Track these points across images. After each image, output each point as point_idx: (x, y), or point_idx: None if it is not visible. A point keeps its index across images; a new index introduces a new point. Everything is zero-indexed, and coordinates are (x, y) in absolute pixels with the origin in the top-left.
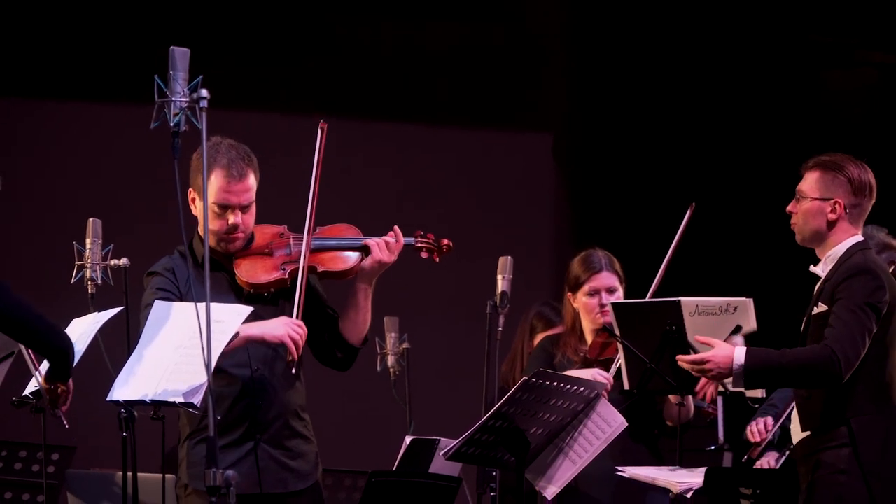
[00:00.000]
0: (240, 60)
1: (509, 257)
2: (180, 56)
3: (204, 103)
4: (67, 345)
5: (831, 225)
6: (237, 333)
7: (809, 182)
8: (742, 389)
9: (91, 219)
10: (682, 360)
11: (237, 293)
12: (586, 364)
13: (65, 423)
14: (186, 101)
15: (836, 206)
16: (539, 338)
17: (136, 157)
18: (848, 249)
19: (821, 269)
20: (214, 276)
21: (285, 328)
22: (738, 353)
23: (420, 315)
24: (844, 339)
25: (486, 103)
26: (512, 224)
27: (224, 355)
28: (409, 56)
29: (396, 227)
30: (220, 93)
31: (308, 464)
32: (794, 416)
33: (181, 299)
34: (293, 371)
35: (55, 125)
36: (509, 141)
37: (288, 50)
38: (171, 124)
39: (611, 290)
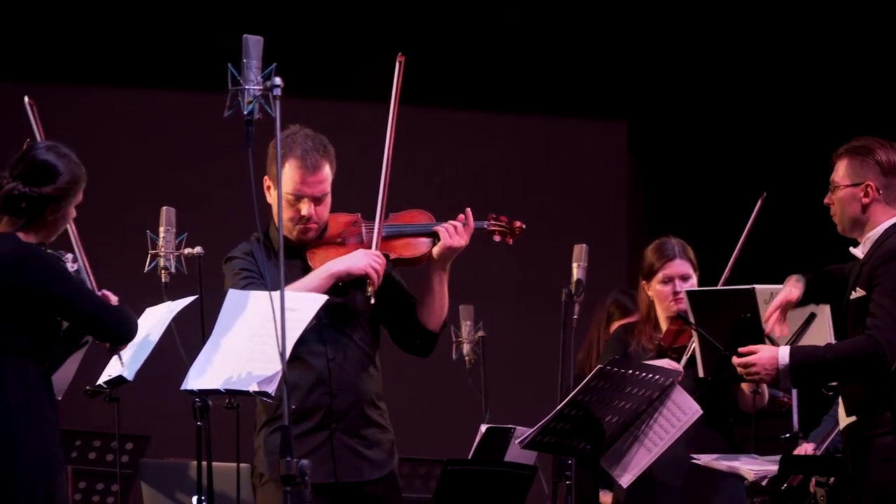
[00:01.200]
0: (313, 48)
1: (584, 245)
2: (254, 44)
3: (277, 91)
4: (132, 329)
5: (866, 208)
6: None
7: (840, 170)
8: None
9: (164, 207)
10: (734, 362)
11: None
12: (660, 352)
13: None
14: (260, 89)
15: (868, 188)
16: (615, 326)
17: (209, 146)
18: (885, 231)
19: (860, 252)
20: (289, 264)
21: (366, 258)
22: (783, 353)
23: (495, 304)
24: (887, 327)
25: (560, 92)
26: (587, 212)
27: (297, 344)
28: (485, 45)
29: (467, 209)
30: (294, 80)
31: (384, 452)
32: (840, 400)
33: (263, 279)
34: (372, 302)
35: (128, 113)
36: (584, 129)
37: (359, 38)
38: (245, 112)
39: (684, 278)
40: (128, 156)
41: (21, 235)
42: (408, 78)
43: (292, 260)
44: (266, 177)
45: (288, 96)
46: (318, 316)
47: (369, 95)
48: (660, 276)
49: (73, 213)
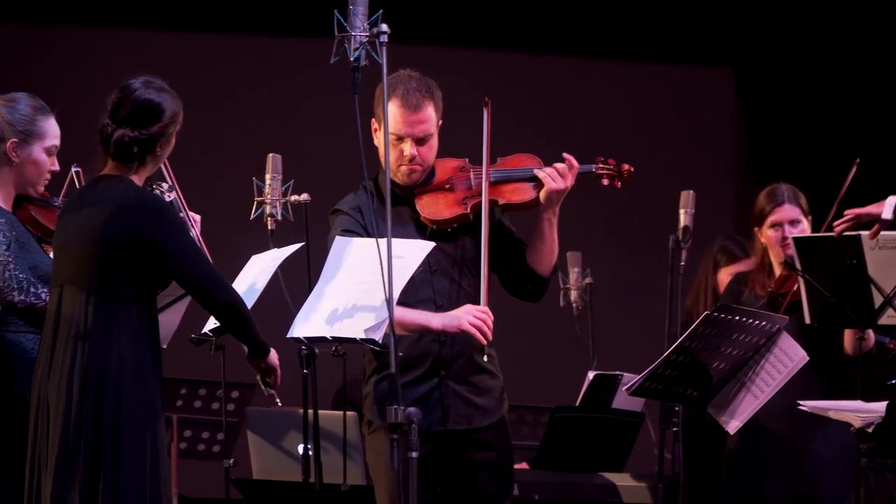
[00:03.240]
0: None
1: (691, 192)
2: None
3: (384, 38)
4: (235, 301)
5: None
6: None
7: None
8: None
9: (271, 154)
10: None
11: (421, 228)
12: (771, 299)
13: (277, 400)
14: (366, 36)
15: None
16: (722, 272)
17: (316, 92)
18: None
19: None
20: (398, 210)
21: (465, 316)
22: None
23: (603, 250)
24: None
25: (667, 38)
26: (693, 159)
27: (405, 292)
28: None
29: (566, 155)
30: (400, 27)
31: (493, 400)
32: None
33: (367, 236)
34: (485, 358)
35: (235, 59)
36: (691, 76)
37: None
38: (351, 59)
39: (794, 223)
40: (235, 103)
41: (135, 178)
42: (517, 24)
43: (401, 206)
44: (373, 119)
45: (394, 42)
46: (426, 263)
47: (480, 41)
48: (769, 220)
49: (174, 141)
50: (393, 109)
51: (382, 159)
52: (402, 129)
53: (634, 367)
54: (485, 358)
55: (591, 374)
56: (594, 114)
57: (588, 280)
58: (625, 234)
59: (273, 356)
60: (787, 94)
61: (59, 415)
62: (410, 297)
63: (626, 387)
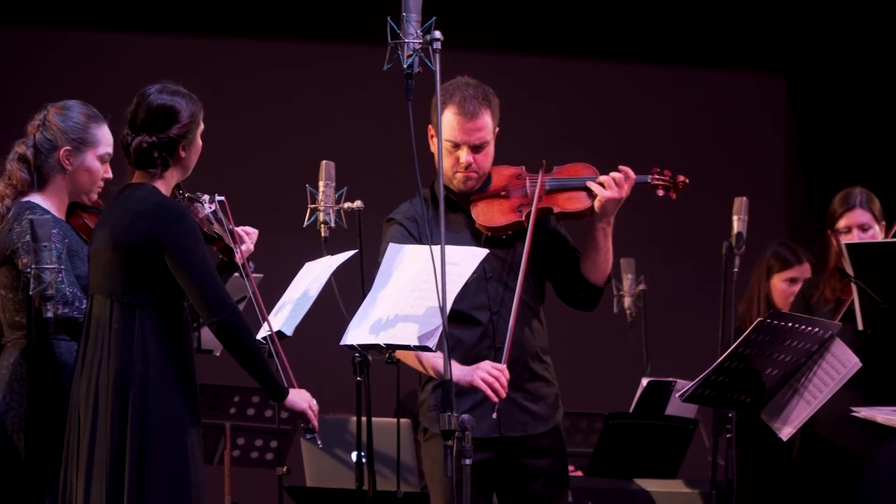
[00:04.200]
0: (471, 1)
1: (744, 198)
2: None
3: (437, 45)
4: (234, 324)
5: None
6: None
7: None
8: None
9: (324, 161)
10: None
11: (476, 235)
12: (839, 303)
13: (319, 443)
14: (420, 43)
15: None
16: (775, 278)
17: (370, 99)
18: None
19: None
20: (454, 217)
21: (477, 372)
22: None
23: (656, 257)
24: None
25: (720, 45)
26: (746, 165)
27: (460, 299)
28: None
29: (622, 167)
30: (454, 33)
31: (548, 406)
32: None
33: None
34: (494, 416)
35: (286, 65)
36: (744, 83)
37: None
38: (405, 66)
39: (864, 228)
40: (288, 109)
41: (160, 184)
42: (571, 30)
43: (456, 213)
44: (430, 126)
45: (447, 49)
46: (482, 269)
47: (534, 47)
48: (840, 224)
49: (200, 142)
50: (449, 116)
51: (438, 166)
52: (458, 136)
53: (687, 373)
54: (494, 415)
55: (644, 381)
56: (647, 120)
57: (641, 287)
58: (678, 241)
59: (294, 400)
60: (839, 101)
61: (87, 421)
62: (466, 303)
63: (679, 393)
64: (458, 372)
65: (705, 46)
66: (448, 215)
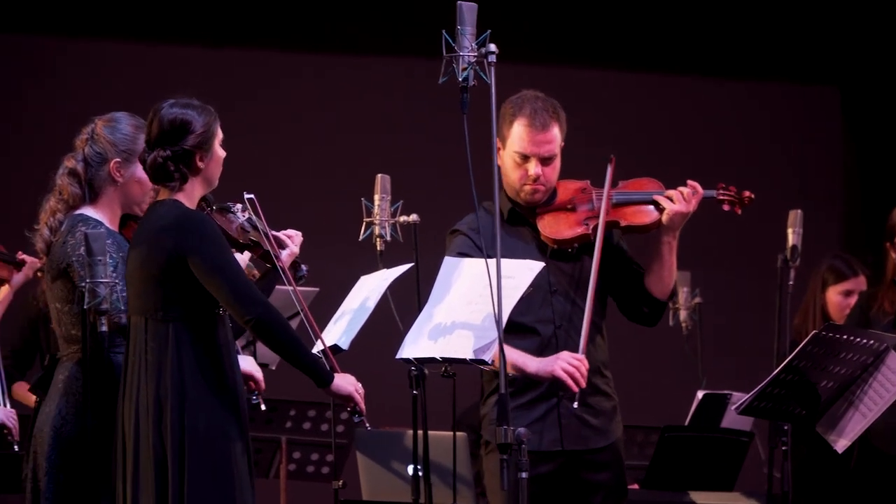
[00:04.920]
0: (526, 14)
1: (799, 211)
2: (468, 10)
3: (492, 58)
4: (267, 317)
5: None
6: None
7: None
8: None
9: (379, 175)
10: None
11: (542, 248)
12: None
13: (367, 425)
14: (475, 56)
15: None
16: (830, 290)
17: (425, 112)
18: None
19: None
20: (519, 230)
21: (557, 363)
22: None
23: (711, 270)
24: None
25: (774, 57)
26: (801, 177)
27: (524, 312)
28: (699, 10)
29: (690, 181)
30: (508, 47)
31: (609, 421)
32: None
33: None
34: (575, 405)
35: (343, 80)
36: (798, 94)
37: (570, 3)
38: (460, 79)
39: None
40: (343, 122)
41: (182, 197)
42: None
43: (522, 227)
44: (498, 138)
45: (503, 62)
46: (546, 283)
47: (589, 61)
48: None
49: (221, 152)
50: (519, 129)
51: (505, 178)
52: (528, 148)
53: (743, 386)
54: (574, 405)
55: (700, 394)
56: (701, 133)
57: (697, 300)
58: (733, 254)
59: (339, 384)
60: (894, 112)
61: (130, 441)
62: (530, 316)
63: (734, 406)
64: (538, 363)
65: (759, 59)
66: (514, 228)
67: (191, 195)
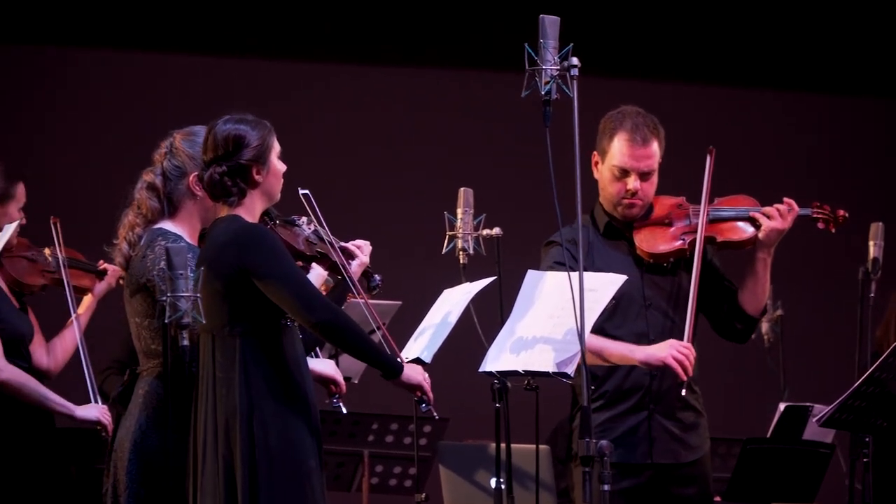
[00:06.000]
0: (609, 28)
1: (880, 223)
2: (550, 24)
3: (575, 71)
4: (332, 318)
5: None
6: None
7: None
8: None
9: (462, 188)
10: None
11: (638, 262)
12: None
13: (434, 414)
14: (557, 70)
15: None
16: None
17: (508, 125)
18: None
19: None
20: (615, 244)
21: (668, 350)
22: None
23: (793, 282)
24: None
25: (856, 70)
26: (883, 190)
27: (618, 325)
28: (783, 23)
29: (787, 199)
30: (590, 60)
31: (698, 437)
32: None
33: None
34: (682, 393)
35: (425, 93)
36: (877, 106)
37: (652, 17)
38: (542, 93)
39: None
40: (427, 138)
41: (242, 212)
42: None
43: (618, 241)
44: (596, 151)
45: (585, 75)
46: (642, 297)
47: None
48: None
49: (280, 165)
50: (620, 143)
51: (602, 192)
52: (628, 162)
53: (825, 398)
54: (682, 392)
55: (781, 406)
56: (782, 146)
57: (779, 312)
58: (815, 267)
59: (409, 374)
60: None
61: (201, 456)
62: (625, 330)
63: (816, 418)
64: (646, 352)
65: (842, 73)
66: (611, 242)
67: (251, 210)
